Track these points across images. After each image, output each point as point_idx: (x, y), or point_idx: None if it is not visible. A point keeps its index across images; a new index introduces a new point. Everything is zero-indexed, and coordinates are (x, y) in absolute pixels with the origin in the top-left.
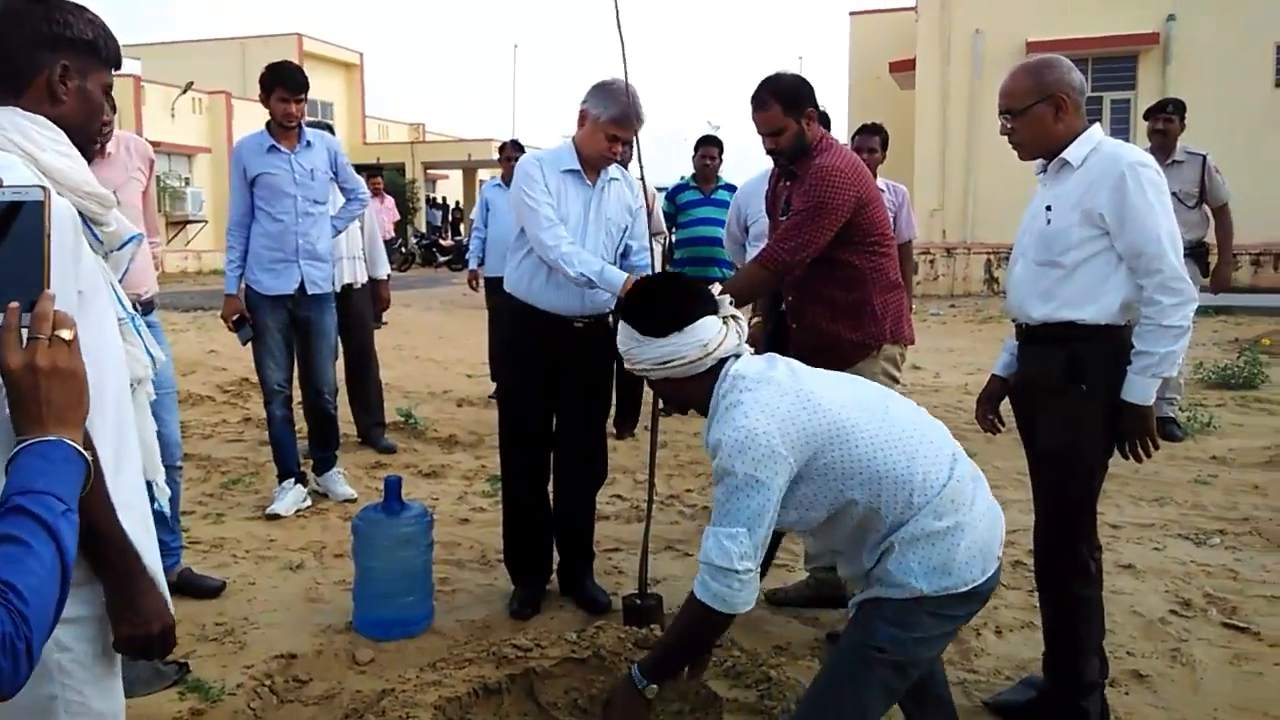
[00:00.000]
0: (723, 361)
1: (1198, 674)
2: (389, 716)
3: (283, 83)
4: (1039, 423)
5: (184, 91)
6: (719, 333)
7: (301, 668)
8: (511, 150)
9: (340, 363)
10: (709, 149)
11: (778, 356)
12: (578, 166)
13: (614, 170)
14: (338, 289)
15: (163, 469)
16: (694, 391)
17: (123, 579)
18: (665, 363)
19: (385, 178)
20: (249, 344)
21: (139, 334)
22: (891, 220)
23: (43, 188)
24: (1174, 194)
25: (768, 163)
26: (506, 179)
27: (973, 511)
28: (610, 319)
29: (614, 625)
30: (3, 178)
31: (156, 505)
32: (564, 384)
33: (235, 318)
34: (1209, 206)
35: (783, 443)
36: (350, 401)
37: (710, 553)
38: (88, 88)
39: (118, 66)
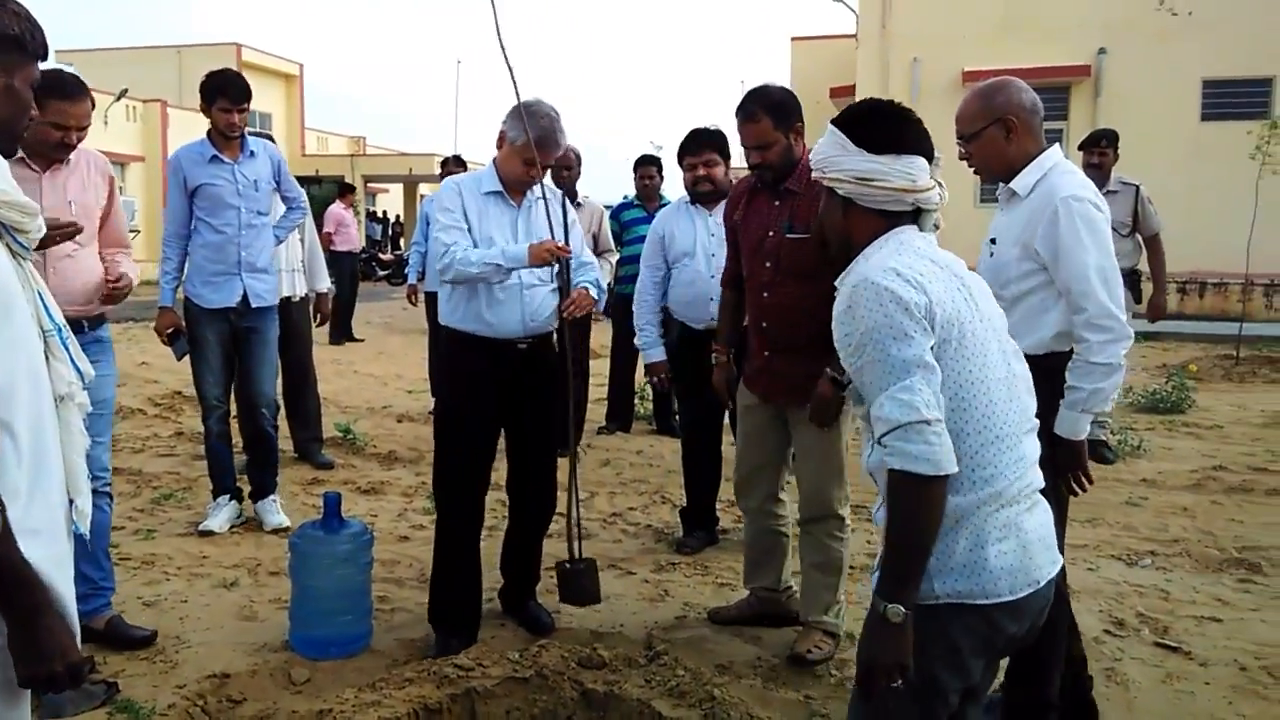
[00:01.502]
0: (899, 217)
1: (1131, 693)
2: None
3: (225, 92)
4: None
5: (118, 99)
6: (929, 182)
7: (235, 687)
8: (454, 165)
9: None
10: (647, 169)
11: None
12: (500, 188)
13: (541, 189)
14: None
15: (86, 489)
16: (857, 228)
17: (22, 614)
18: (864, 180)
19: (323, 189)
20: (184, 358)
21: (66, 348)
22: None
23: None
24: None
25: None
26: None
27: (1027, 516)
28: (555, 339)
29: (557, 644)
30: None
31: (75, 528)
32: (513, 411)
33: (170, 331)
34: (1141, 235)
35: (931, 305)
36: (288, 416)
37: (890, 414)
38: (14, 85)
39: (44, 59)
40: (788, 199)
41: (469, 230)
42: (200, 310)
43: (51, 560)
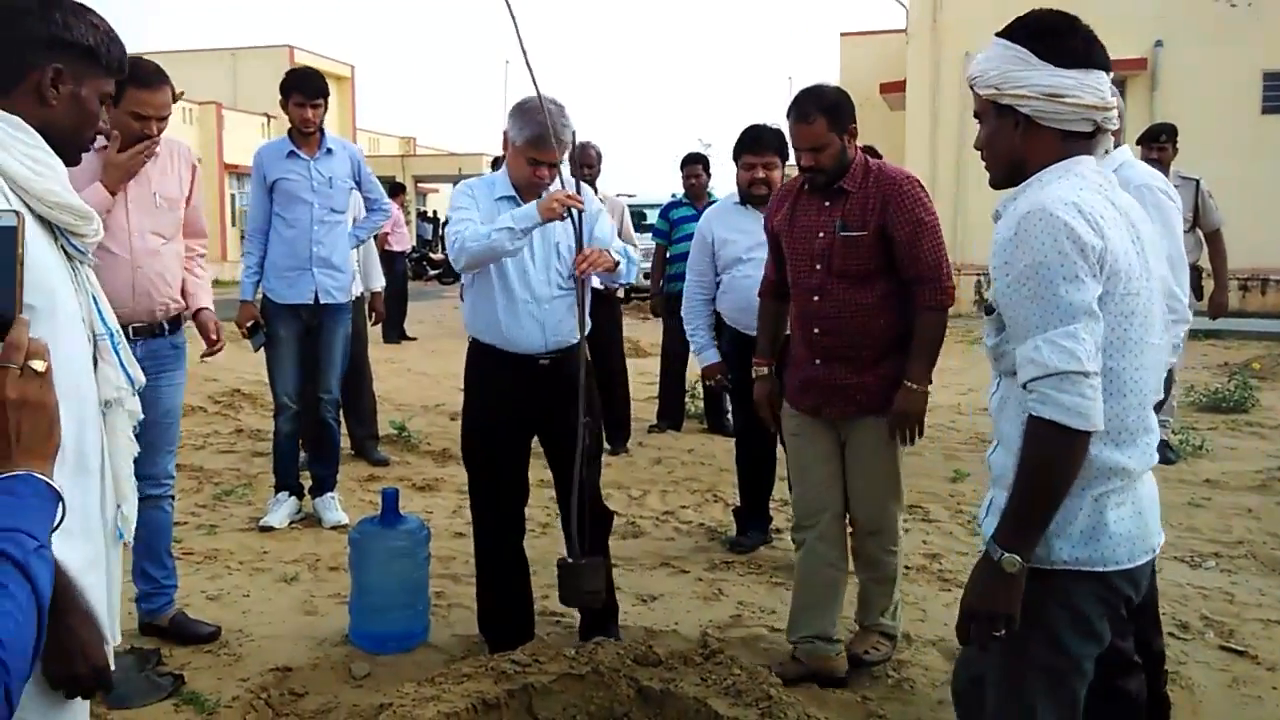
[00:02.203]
0: (1077, 140)
1: (1196, 697)
2: None
3: (299, 87)
4: None
5: (174, 101)
6: (1114, 99)
7: (297, 681)
8: (496, 167)
9: None
10: (694, 167)
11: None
12: (511, 193)
13: (555, 187)
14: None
15: (132, 496)
16: (1035, 149)
17: (57, 613)
18: (1054, 96)
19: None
20: (259, 351)
21: (117, 352)
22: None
23: (16, 212)
24: None
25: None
26: None
27: (1140, 483)
28: (576, 352)
29: (612, 642)
30: None
31: (120, 536)
32: (544, 420)
33: (250, 324)
34: (1202, 231)
35: (1104, 251)
36: (345, 414)
37: (1048, 359)
38: (82, 94)
39: (120, 74)
40: (839, 199)
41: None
42: (276, 306)
43: (85, 560)
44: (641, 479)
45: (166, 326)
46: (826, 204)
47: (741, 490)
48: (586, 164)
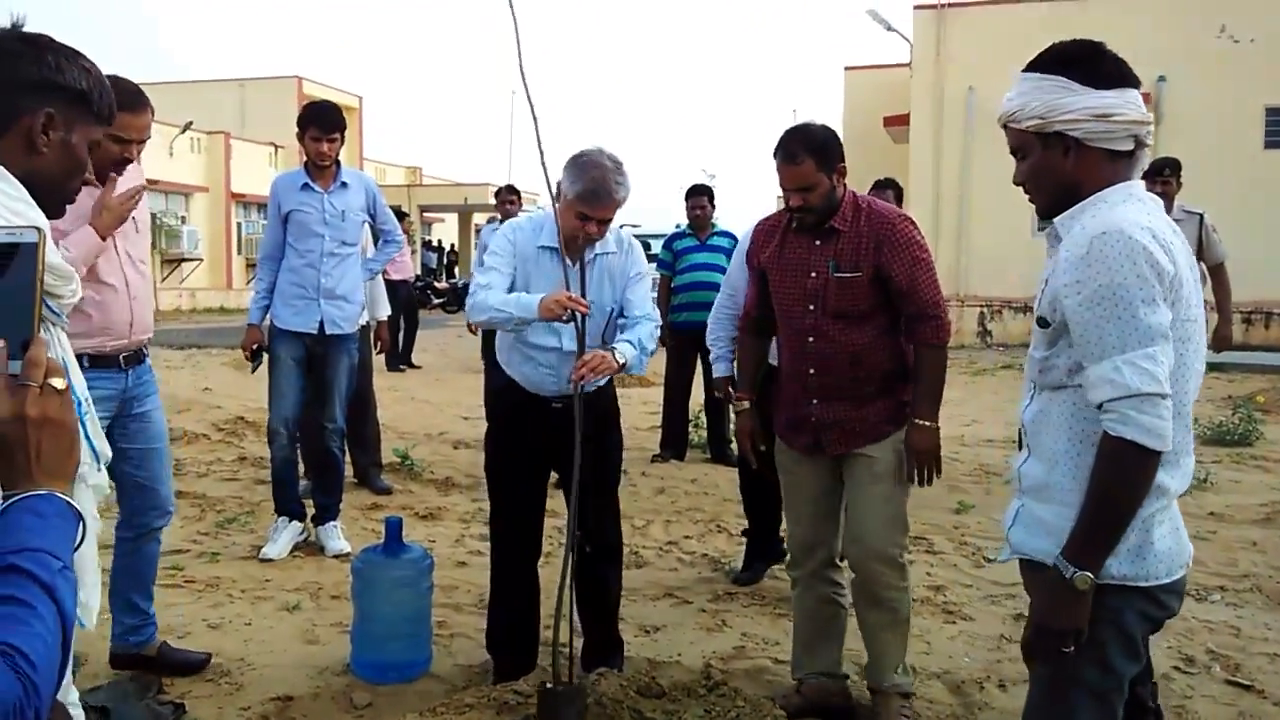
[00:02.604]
0: (1121, 159)
1: None
2: None
3: (315, 121)
4: None
5: (183, 131)
6: (1149, 115)
7: (298, 710)
8: (507, 194)
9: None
10: (698, 199)
11: None
12: (555, 244)
13: (608, 243)
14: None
15: (93, 581)
16: (1088, 171)
17: None
18: (1102, 116)
19: None
20: (256, 372)
21: (83, 424)
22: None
23: (37, 228)
24: None
25: (759, 211)
26: (504, 221)
27: (1174, 501)
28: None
29: (615, 673)
30: None
31: (81, 625)
32: (563, 452)
33: (254, 348)
34: (1205, 264)
35: (1175, 277)
36: (349, 442)
37: (1130, 381)
38: (72, 141)
39: (109, 123)
40: (830, 239)
41: (514, 276)
42: (279, 331)
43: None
44: (645, 509)
45: (145, 352)
46: (817, 243)
47: (749, 520)
48: None
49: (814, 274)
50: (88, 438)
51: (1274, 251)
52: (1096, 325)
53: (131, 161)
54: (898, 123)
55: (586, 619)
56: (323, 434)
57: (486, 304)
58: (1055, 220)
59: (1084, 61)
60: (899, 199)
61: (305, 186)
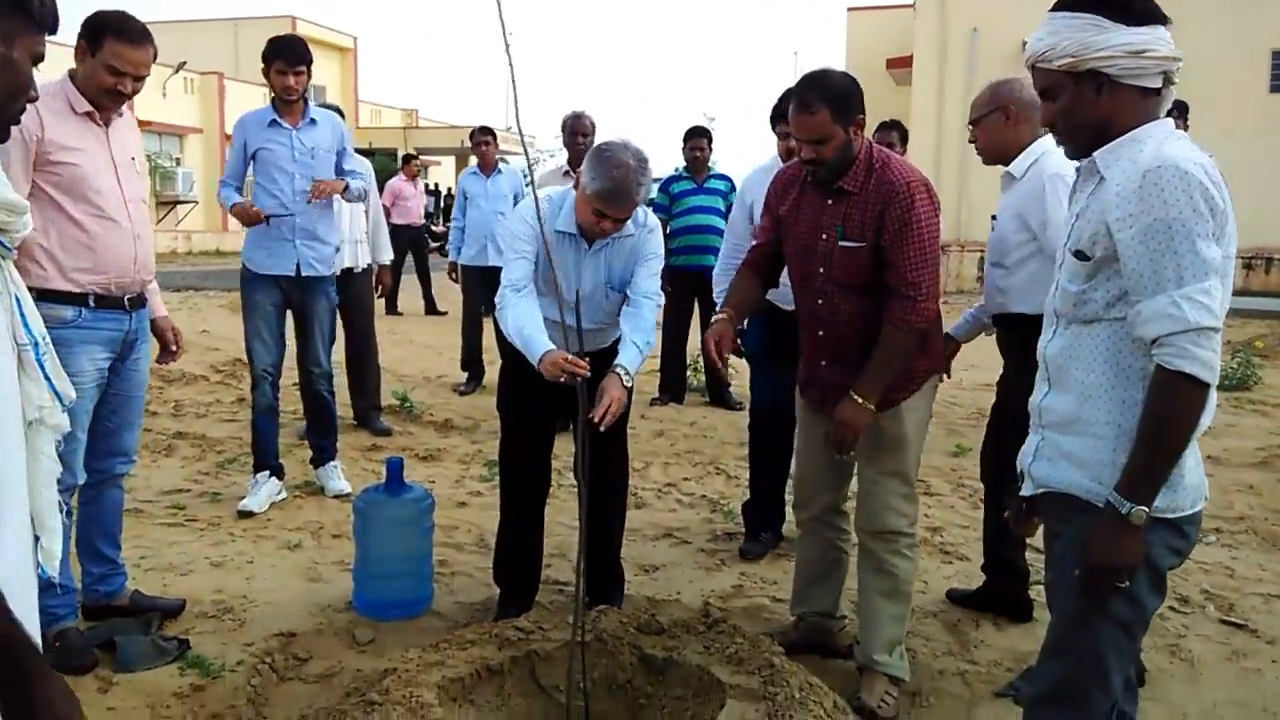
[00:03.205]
0: (1151, 96)
1: (1197, 670)
2: (392, 695)
3: (282, 55)
4: (1000, 383)
5: (176, 71)
6: (1179, 51)
7: (301, 646)
8: (481, 135)
9: (341, 346)
10: (697, 140)
11: None
12: (574, 230)
13: (626, 225)
14: (337, 272)
15: (54, 528)
16: (1120, 109)
17: (14, 681)
18: (1136, 53)
19: (375, 161)
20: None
21: (41, 365)
22: None
23: None
24: None
25: (762, 153)
26: (482, 166)
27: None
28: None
29: (615, 610)
30: None
31: (44, 575)
32: (568, 406)
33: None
34: None
35: (1224, 214)
36: (350, 385)
37: (1189, 315)
38: (13, 56)
39: (53, 31)
40: (841, 200)
41: (536, 259)
42: (254, 275)
43: (25, 606)
44: (644, 451)
45: (144, 296)
46: (829, 202)
47: (753, 480)
48: (581, 133)
49: (824, 236)
50: (47, 378)
51: (1277, 197)
52: (1152, 258)
53: (125, 96)
54: (900, 65)
55: (590, 555)
56: (310, 380)
57: (506, 320)
58: (1095, 155)
59: (1112, 0)
60: (904, 141)
61: (273, 123)
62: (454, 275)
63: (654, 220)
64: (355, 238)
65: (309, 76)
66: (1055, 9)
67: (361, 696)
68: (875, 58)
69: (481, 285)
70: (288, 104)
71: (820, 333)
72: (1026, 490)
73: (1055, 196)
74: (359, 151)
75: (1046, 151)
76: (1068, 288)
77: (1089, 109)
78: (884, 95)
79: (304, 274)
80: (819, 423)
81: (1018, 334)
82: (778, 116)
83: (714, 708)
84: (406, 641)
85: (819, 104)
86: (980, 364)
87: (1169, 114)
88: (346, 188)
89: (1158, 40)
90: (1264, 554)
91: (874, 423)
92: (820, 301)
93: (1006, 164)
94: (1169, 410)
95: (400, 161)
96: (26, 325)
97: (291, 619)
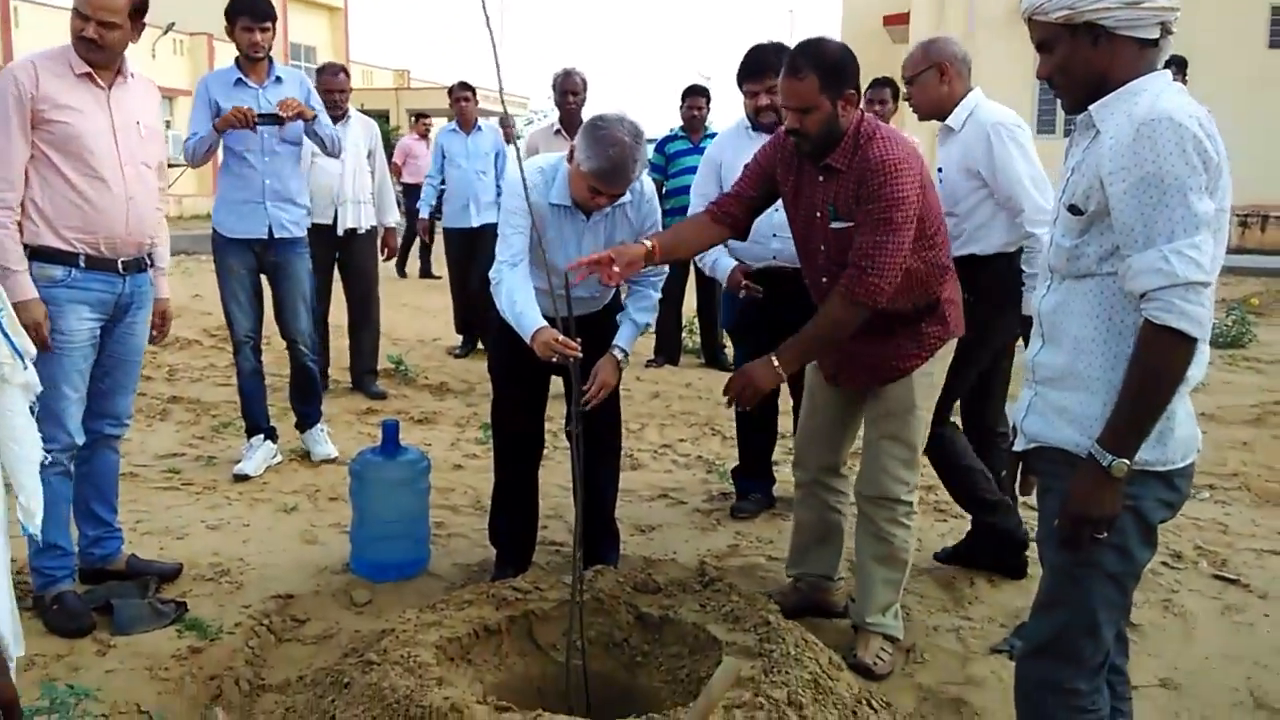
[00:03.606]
0: (1148, 47)
1: (1189, 624)
2: (390, 655)
3: (245, 10)
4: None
5: (165, 32)
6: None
7: (299, 608)
8: (460, 91)
9: (342, 309)
10: (695, 99)
11: None
12: (568, 203)
13: (626, 193)
14: (340, 233)
15: (32, 485)
16: (1117, 60)
17: None
18: (1133, 4)
19: None
20: (265, 126)
21: (1, 324)
22: None
23: None
24: None
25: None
26: (462, 123)
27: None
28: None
29: (611, 570)
30: None
31: (25, 531)
32: (561, 370)
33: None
34: None
35: (1218, 166)
36: (350, 347)
37: (1178, 269)
38: None
39: None
40: (831, 179)
41: (534, 233)
42: (226, 240)
43: None
44: (640, 413)
45: (149, 259)
46: (821, 180)
47: (740, 444)
48: (571, 91)
49: (819, 215)
50: (6, 336)
51: (1273, 154)
52: (1143, 212)
53: (97, 44)
54: (898, 21)
55: (585, 515)
56: (294, 349)
57: (499, 295)
58: (1091, 108)
59: None
60: (896, 98)
61: (239, 83)
62: (428, 236)
63: (650, 187)
64: (358, 198)
65: (274, 33)
66: None
67: (360, 657)
68: (872, 14)
69: (464, 247)
70: (253, 62)
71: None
72: (1019, 446)
73: (1002, 146)
74: (363, 112)
75: (979, 104)
76: (1061, 242)
77: (1086, 61)
78: (881, 52)
79: (276, 236)
80: (824, 387)
81: (969, 270)
82: (745, 74)
83: (710, 665)
84: (404, 603)
85: (808, 70)
86: None
87: (1167, 68)
88: (315, 117)
89: None
90: (1256, 510)
91: (880, 387)
92: (825, 280)
93: (942, 119)
94: (1155, 364)
95: (413, 120)
96: None
97: (289, 581)
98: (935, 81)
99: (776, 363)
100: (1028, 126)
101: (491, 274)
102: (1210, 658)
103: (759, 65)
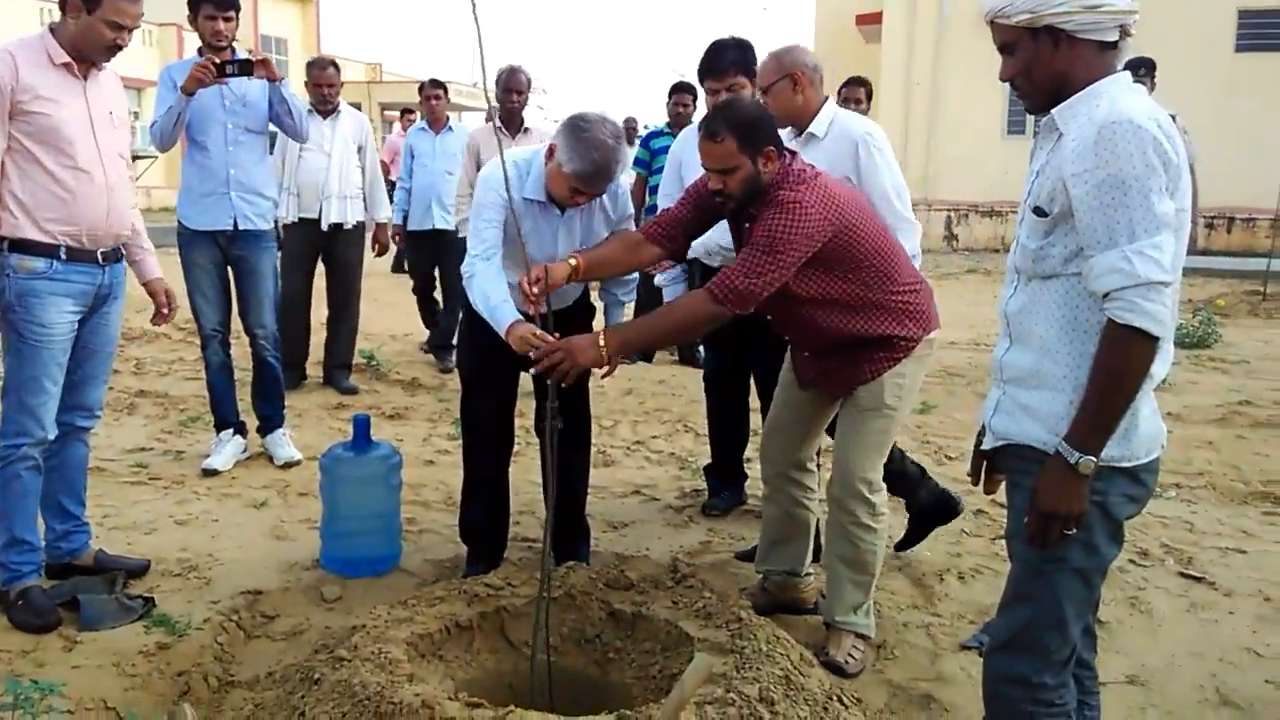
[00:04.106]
0: (1108, 50)
1: (1155, 621)
2: (361, 651)
3: None
4: None
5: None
6: (1136, 4)
7: (268, 604)
8: (431, 89)
9: (322, 303)
10: (682, 96)
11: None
12: (544, 198)
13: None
14: (325, 227)
15: None
16: (1078, 63)
17: None
18: (1092, 7)
19: None
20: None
21: None
22: None
23: None
24: None
25: None
26: (432, 122)
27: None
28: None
29: (584, 566)
30: None
31: None
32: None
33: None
34: None
35: (1178, 168)
36: (326, 342)
37: (1139, 270)
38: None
39: None
40: (755, 223)
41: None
42: (191, 233)
43: None
44: (613, 409)
45: (123, 251)
46: (746, 226)
47: (713, 445)
48: (516, 90)
49: None
50: None
51: (1240, 156)
52: (1105, 213)
53: (119, 49)
54: (870, 21)
55: (556, 511)
56: (255, 343)
57: (472, 289)
58: (1054, 111)
59: None
60: (869, 98)
61: None
62: (398, 240)
63: (624, 180)
64: (345, 193)
65: (237, 23)
66: None
67: (330, 653)
68: (844, 14)
69: (427, 250)
70: (217, 51)
71: (787, 337)
72: (987, 444)
73: (869, 156)
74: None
75: (838, 112)
76: (1027, 244)
77: (1047, 64)
78: (854, 52)
79: (241, 228)
80: (795, 384)
81: None
82: (705, 70)
83: (682, 661)
84: (374, 599)
85: (725, 132)
86: (946, 322)
87: (1137, 74)
88: (283, 79)
89: None
90: (1222, 509)
91: (853, 389)
92: (772, 315)
93: (799, 129)
94: (1118, 363)
95: (400, 114)
96: None
97: (258, 577)
98: (789, 91)
99: (603, 343)
100: (885, 140)
101: (464, 268)
102: (1176, 655)
103: (719, 62)
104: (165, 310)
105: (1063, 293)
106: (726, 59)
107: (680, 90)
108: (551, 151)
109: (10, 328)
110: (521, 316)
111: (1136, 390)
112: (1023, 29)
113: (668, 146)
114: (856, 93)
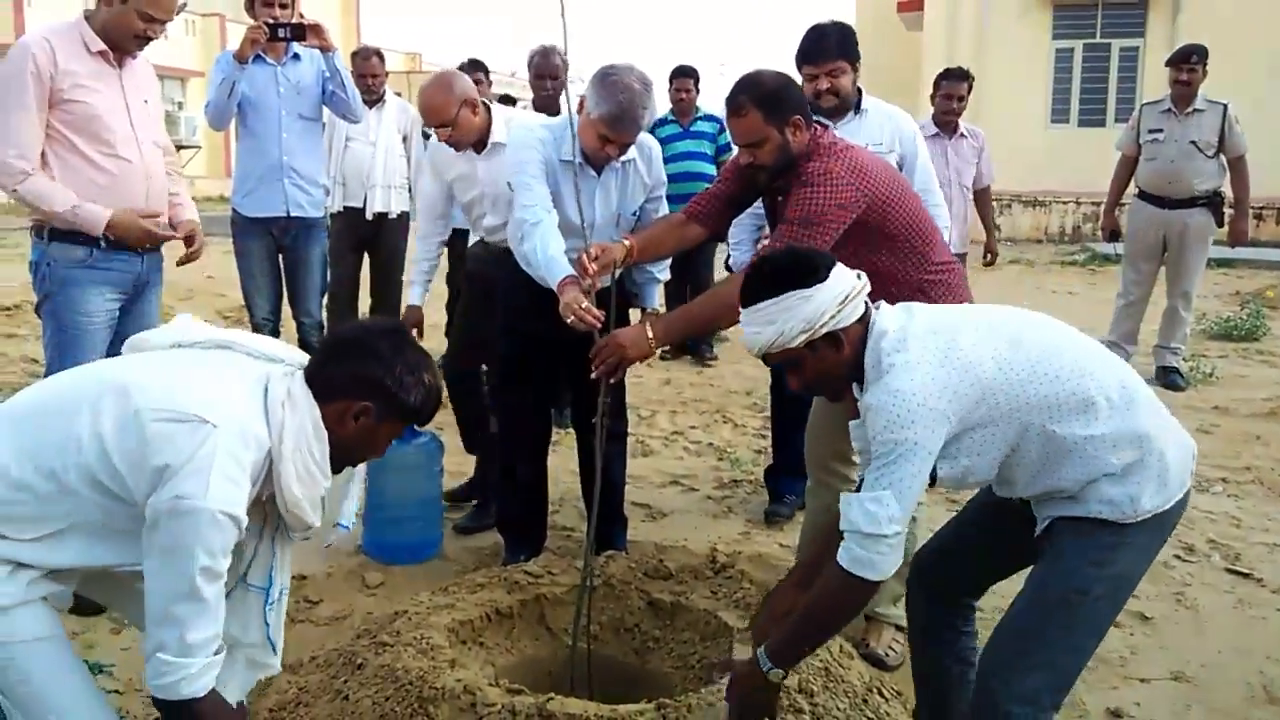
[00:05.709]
0: (864, 316)
1: (1201, 617)
2: (403, 637)
3: None
4: None
5: (177, 12)
6: (852, 279)
7: (312, 589)
8: (471, 73)
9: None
10: (683, 81)
11: (913, 306)
12: (579, 159)
13: (631, 150)
14: (370, 216)
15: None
16: (851, 344)
17: None
18: (844, 300)
19: None
20: (284, 39)
21: (265, 614)
22: (975, 164)
23: None
24: (1192, 143)
25: None
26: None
27: (1164, 421)
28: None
29: (623, 556)
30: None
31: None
32: (568, 354)
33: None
34: (1226, 157)
35: (939, 402)
36: None
37: (856, 520)
38: (378, 429)
39: (421, 424)
40: (789, 194)
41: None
42: (244, 219)
43: None
44: (650, 400)
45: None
46: (781, 199)
47: (776, 441)
48: (550, 75)
49: None
50: (268, 625)
51: None
52: (873, 464)
53: (149, 41)
54: (912, 7)
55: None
56: (301, 329)
57: (532, 238)
58: (860, 401)
59: (797, 269)
60: (970, 90)
61: (256, 59)
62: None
63: (658, 149)
64: (389, 182)
65: (293, 9)
66: (749, 304)
67: (373, 638)
68: (885, 2)
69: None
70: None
71: None
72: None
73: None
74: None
75: (510, 119)
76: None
77: (835, 363)
78: (894, 40)
79: (293, 214)
80: None
81: None
82: (803, 56)
83: (721, 651)
84: (416, 585)
85: (748, 106)
86: None
87: (1185, 60)
88: (335, 50)
89: (842, 280)
90: (1270, 504)
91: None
92: None
93: (477, 149)
94: (829, 600)
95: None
96: (271, 570)
97: (301, 563)
98: (469, 116)
99: (650, 334)
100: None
101: (513, 226)
102: (1222, 651)
103: (818, 48)
104: (191, 248)
105: (1013, 446)
106: (829, 45)
107: (680, 76)
108: (581, 105)
109: (50, 317)
110: (575, 273)
111: (842, 625)
112: (804, 348)
113: (673, 135)
114: (959, 89)
